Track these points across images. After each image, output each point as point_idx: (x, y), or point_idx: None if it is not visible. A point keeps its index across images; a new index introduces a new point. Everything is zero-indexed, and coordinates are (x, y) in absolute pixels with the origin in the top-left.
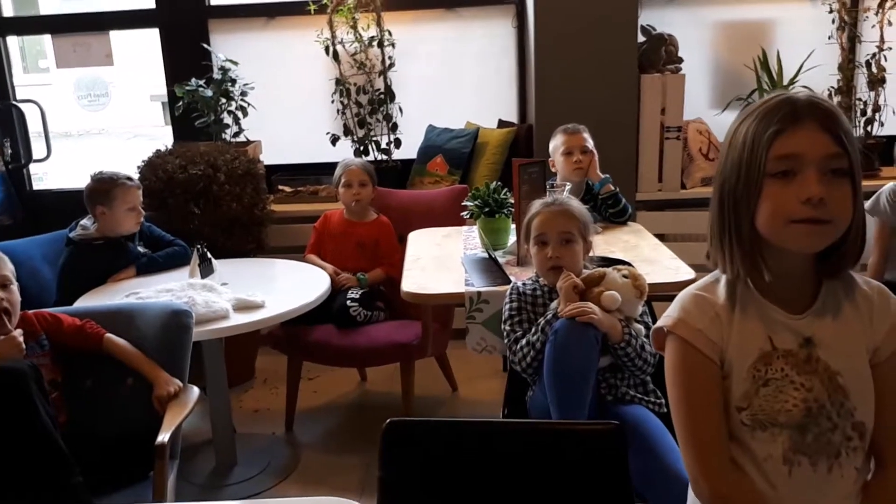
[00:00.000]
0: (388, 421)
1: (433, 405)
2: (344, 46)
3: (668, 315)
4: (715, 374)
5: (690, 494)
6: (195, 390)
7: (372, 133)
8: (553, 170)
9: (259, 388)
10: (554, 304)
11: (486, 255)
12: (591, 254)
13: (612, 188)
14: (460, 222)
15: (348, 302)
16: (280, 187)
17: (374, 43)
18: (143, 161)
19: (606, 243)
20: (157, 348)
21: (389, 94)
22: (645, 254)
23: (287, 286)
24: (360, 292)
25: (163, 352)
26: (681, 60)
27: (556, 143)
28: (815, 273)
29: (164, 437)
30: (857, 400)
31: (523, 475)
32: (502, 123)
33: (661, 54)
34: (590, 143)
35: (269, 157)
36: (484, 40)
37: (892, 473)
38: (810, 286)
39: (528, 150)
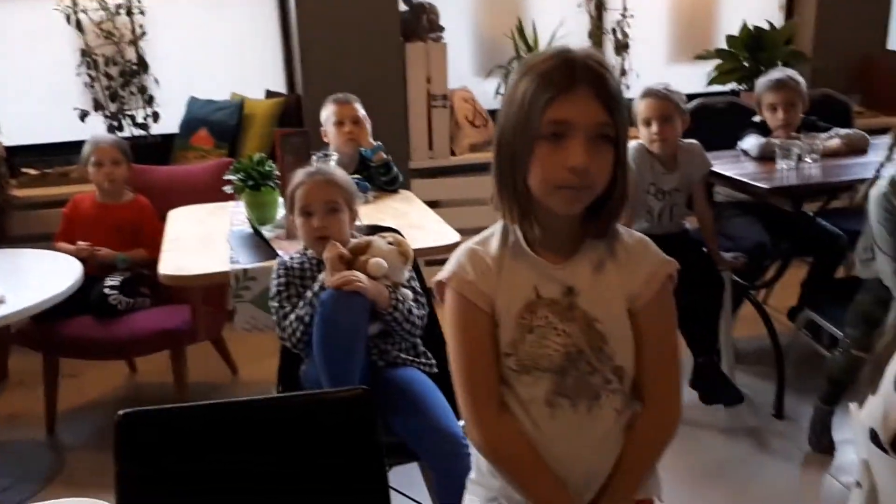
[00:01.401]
0: (119, 413)
1: (210, 391)
2: (88, 15)
3: (445, 269)
4: (487, 324)
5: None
6: None
7: (126, 107)
8: (325, 140)
9: (14, 391)
10: (322, 276)
11: (252, 230)
12: (358, 222)
13: (385, 156)
14: (228, 198)
15: (107, 290)
16: (24, 170)
17: (122, 11)
18: None
19: (378, 211)
20: None
21: (143, 65)
22: (413, 220)
23: (34, 278)
24: (119, 279)
25: None
26: (442, 29)
27: (328, 114)
28: (581, 227)
29: None
30: (616, 345)
31: (274, 451)
32: (270, 94)
33: (423, 23)
34: (361, 113)
35: (9, 138)
36: (244, 8)
37: (652, 413)
38: (576, 239)
39: (298, 120)
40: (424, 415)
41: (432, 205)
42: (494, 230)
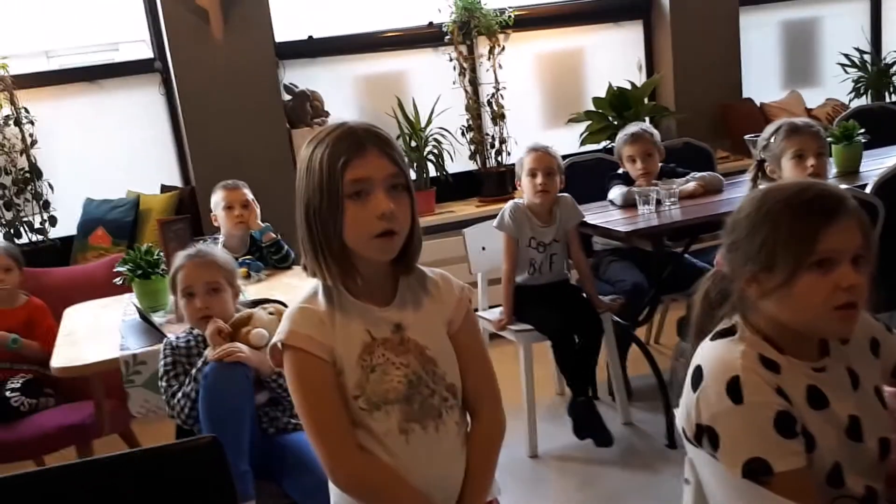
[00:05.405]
0: None
1: None
2: None
3: (280, 331)
4: (329, 373)
5: (333, 489)
6: None
7: (22, 214)
8: (216, 224)
9: None
10: (206, 352)
11: (140, 317)
12: (241, 298)
13: (274, 236)
14: (125, 290)
15: (8, 393)
16: None
17: (10, 122)
18: None
19: (270, 288)
20: None
21: (36, 172)
22: (304, 294)
23: None
24: (20, 381)
25: None
26: (327, 114)
27: (217, 199)
28: (393, 271)
29: None
30: (445, 366)
31: None
32: (165, 188)
33: (307, 109)
34: (249, 197)
35: None
36: (133, 109)
37: (482, 420)
38: (392, 283)
39: (194, 210)
40: (313, 473)
41: None
42: (316, 289)
